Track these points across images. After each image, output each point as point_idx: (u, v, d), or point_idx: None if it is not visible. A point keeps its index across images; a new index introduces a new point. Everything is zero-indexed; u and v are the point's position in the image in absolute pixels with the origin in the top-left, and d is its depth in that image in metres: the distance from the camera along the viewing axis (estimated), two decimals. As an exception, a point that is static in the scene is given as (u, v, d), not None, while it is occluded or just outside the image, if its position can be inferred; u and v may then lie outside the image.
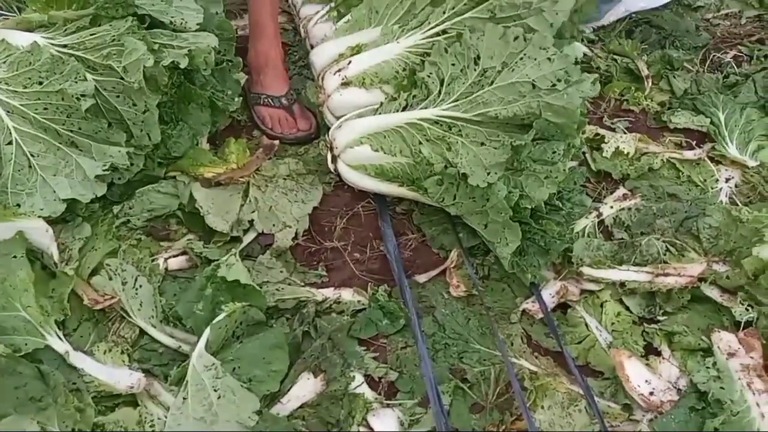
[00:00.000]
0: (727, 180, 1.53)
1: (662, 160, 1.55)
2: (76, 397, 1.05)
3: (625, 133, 1.64)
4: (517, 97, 1.27)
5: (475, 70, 1.33)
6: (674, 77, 1.77)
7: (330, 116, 1.59)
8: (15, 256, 1.18)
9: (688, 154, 1.58)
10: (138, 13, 1.45)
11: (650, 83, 1.77)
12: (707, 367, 1.09)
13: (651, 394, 1.08)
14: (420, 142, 1.33)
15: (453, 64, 1.36)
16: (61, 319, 1.15)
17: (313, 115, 1.69)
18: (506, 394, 1.11)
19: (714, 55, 1.86)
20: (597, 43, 1.93)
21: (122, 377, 1.08)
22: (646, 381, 1.10)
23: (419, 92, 1.39)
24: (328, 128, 1.56)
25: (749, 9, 2.06)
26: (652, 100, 1.75)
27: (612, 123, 1.69)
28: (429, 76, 1.38)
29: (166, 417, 1.02)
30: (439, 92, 1.36)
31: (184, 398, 1.03)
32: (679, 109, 1.70)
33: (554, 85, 1.24)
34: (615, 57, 1.85)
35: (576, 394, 1.10)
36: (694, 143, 1.63)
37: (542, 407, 1.08)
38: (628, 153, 1.56)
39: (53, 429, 1.01)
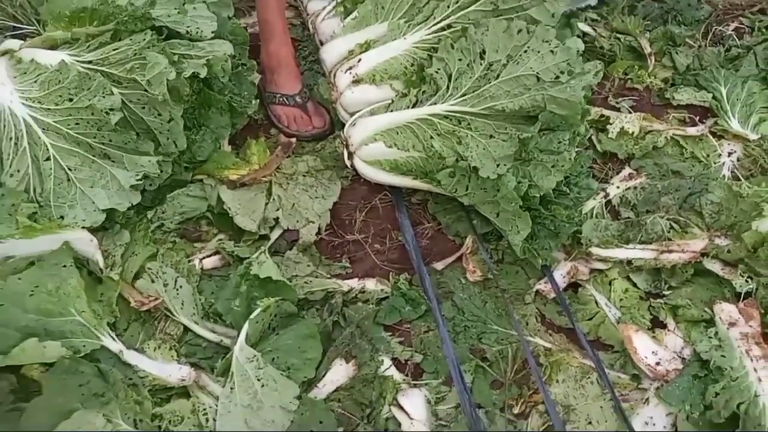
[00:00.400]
0: (730, 154, 1.58)
1: (666, 137, 1.61)
2: (134, 391, 1.16)
3: (629, 112, 1.70)
4: (522, 90, 1.33)
5: (481, 64, 1.39)
6: (677, 53, 1.82)
7: (343, 112, 1.66)
8: (65, 266, 1.28)
9: (691, 131, 1.63)
10: (156, 26, 1.52)
11: (653, 60, 1.81)
12: (709, 337, 1.18)
13: (657, 364, 1.17)
14: (431, 137, 1.40)
15: (459, 59, 1.42)
16: (112, 321, 1.26)
17: (326, 111, 1.76)
18: (523, 370, 1.21)
19: (716, 29, 1.90)
20: (600, 22, 1.97)
21: (173, 371, 1.19)
22: (653, 352, 1.19)
23: (428, 88, 1.46)
24: (343, 124, 1.64)
25: (751, -22, 2.07)
26: (655, 78, 1.79)
27: (617, 102, 1.74)
28: (437, 72, 1.45)
29: (216, 405, 1.13)
30: (448, 87, 1.42)
31: (231, 388, 1.13)
32: (682, 86, 1.75)
33: (557, 77, 1.30)
34: (618, 36, 1.89)
35: (588, 368, 1.20)
36: (697, 119, 1.69)
37: (557, 381, 1.18)
38: (632, 132, 1.62)
39: (118, 421, 1.12)
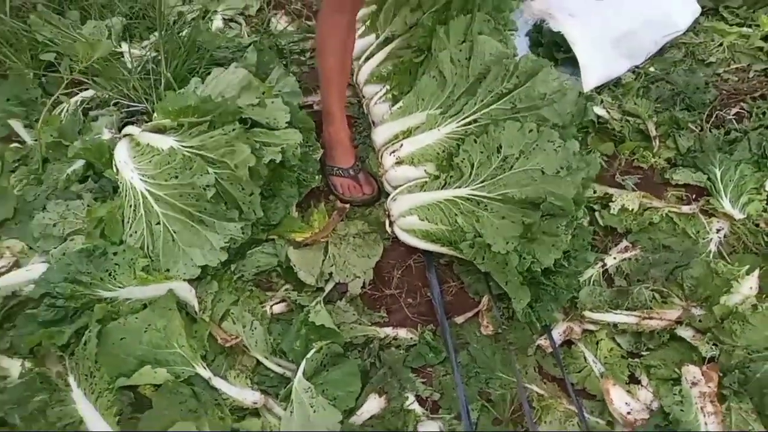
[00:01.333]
0: (718, 231, 1.82)
1: (662, 214, 1.87)
2: (218, 409, 1.54)
3: (634, 189, 1.97)
4: (530, 181, 1.64)
5: (497, 157, 1.72)
6: (680, 136, 2.07)
7: (388, 186, 2.02)
8: (170, 309, 1.68)
9: (685, 209, 1.88)
10: (242, 118, 1.93)
11: (658, 143, 2.08)
12: (674, 394, 1.44)
13: (629, 413, 1.45)
14: (456, 214, 1.74)
15: (481, 152, 1.75)
16: (203, 353, 1.64)
17: (375, 181, 2.12)
18: (519, 411, 1.50)
19: (717, 113, 2.14)
20: (614, 103, 2.25)
21: (248, 395, 1.56)
22: (626, 403, 1.46)
23: (455, 173, 1.80)
24: (387, 194, 2.00)
25: (758, 62, 2.30)
26: (659, 158, 2.06)
27: (623, 180, 2.01)
28: (462, 162, 1.78)
29: (279, 424, 1.49)
30: (470, 174, 1.75)
31: (291, 411, 1.49)
32: (681, 167, 2.00)
33: (558, 172, 1.61)
34: (628, 118, 2.16)
35: (572, 412, 1.48)
36: (693, 197, 1.94)
37: (545, 422, 1.47)
38: (632, 209, 1.88)
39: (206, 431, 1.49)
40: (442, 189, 1.79)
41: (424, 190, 1.83)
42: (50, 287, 1.72)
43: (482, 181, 1.72)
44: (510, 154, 1.69)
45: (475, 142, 1.77)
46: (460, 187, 1.75)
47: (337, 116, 2.07)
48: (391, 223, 1.89)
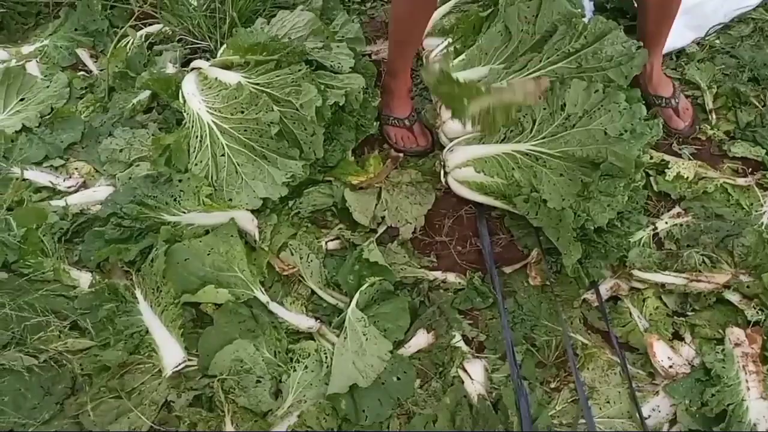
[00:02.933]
0: (771, 205, 1.84)
1: (716, 184, 1.88)
2: (275, 331, 1.62)
3: (689, 159, 1.98)
4: (591, 141, 1.67)
5: (561, 115, 1.74)
6: (740, 110, 2.06)
7: (444, 137, 2.05)
8: (232, 235, 1.75)
9: (740, 181, 1.89)
10: (308, 59, 1.98)
11: (714, 116, 2.07)
12: (716, 352, 1.48)
13: (670, 367, 1.49)
14: (513, 168, 1.77)
15: (544, 109, 1.77)
16: (262, 279, 1.72)
17: (430, 133, 2.15)
18: (563, 357, 1.56)
19: (781, 89, 2.12)
20: (677, 72, 2.23)
21: (303, 321, 1.64)
22: (668, 357, 1.51)
23: (515, 128, 1.82)
24: (442, 146, 2.04)
25: (828, 42, 2.26)
26: (718, 130, 2.05)
27: (680, 149, 2.02)
28: (524, 117, 1.80)
29: (332, 349, 1.57)
30: (531, 130, 1.78)
31: (344, 338, 1.56)
32: (740, 140, 2.00)
33: (621, 135, 1.63)
34: (686, 92, 2.15)
35: (614, 362, 1.53)
36: (750, 171, 1.94)
37: (588, 368, 1.52)
38: (687, 177, 1.90)
39: (263, 350, 1.58)
40: (501, 143, 1.82)
41: (483, 143, 1.86)
42: (117, 208, 1.81)
43: (543, 137, 1.75)
44: (574, 113, 1.71)
45: (539, 98, 1.79)
46: (520, 141, 1.78)
47: (400, 69, 2.09)
48: (445, 174, 1.93)
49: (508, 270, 1.78)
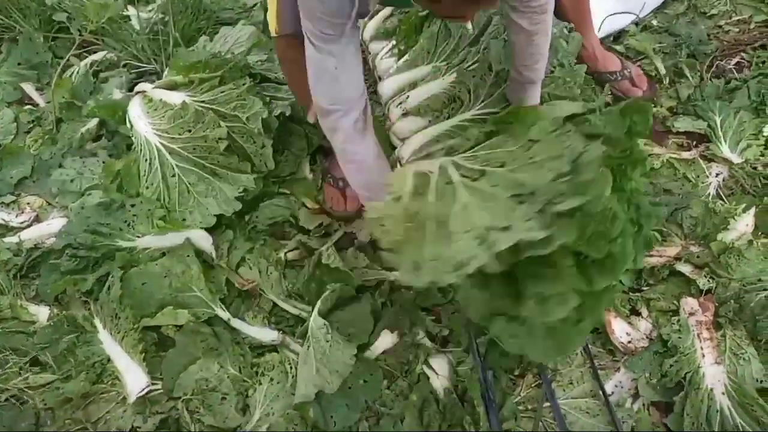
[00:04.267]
0: (717, 175, 1.87)
1: (663, 160, 1.92)
2: (238, 347, 1.62)
3: (635, 136, 2.01)
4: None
5: (490, 74, 1.80)
6: (680, 85, 2.11)
7: (395, 139, 2.06)
8: (188, 255, 1.74)
9: (685, 155, 1.93)
10: (252, 73, 1.98)
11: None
12: (672, 324, 1.51)
13: (629, 342, 1.52)
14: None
15: (473, 76, 1.82)
16: (222, 297, 1.71)
17: None
18: (525, 344, 1.58)
19: (717, 63, 2.17)
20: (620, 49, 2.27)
21: (266, 334, 1.63)
22: (627, 333, 1.54)
23: (455, 104, 1.84)
24: (393, 147, 2.05)
25: (759, 14, 2.32)
26: (661, 107, 2.10)
27: (625, 128, 2.06)
28: (459, 91, 1.84)
29: (296, 359, 1.57)
30: (470, 99, 1.81)
31: (308, 346, 1.56)
32: (682, 115, 2.04)
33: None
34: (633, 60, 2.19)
35: (575, 344, 1.56)
36: (694, 143, 1.99)
37: (550, 352, 1.54)
38: (634, 156, 1.94)
39: (227, 367, 1.57)
40: (447, 119, 1.84)
41: (431, 124, 1.88)
42: (71, 239, 1.79)
43: (483, 101, 1.78)
44: (500, 69, 1.75)
45: (467, 70, 1.82)
46: (464, 112, 1.81)
47: None
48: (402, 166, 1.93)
49: (468, 263, 1.79)
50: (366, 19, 2.35)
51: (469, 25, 1.93)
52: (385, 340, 1.62)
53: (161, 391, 1.56)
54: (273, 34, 1.62)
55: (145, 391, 1.53)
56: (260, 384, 1.54)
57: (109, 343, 1.64)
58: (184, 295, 1.69)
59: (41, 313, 1.76)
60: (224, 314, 1.67)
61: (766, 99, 2.00)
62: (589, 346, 1.54)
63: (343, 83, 1.36)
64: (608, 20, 2.27)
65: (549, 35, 1.55)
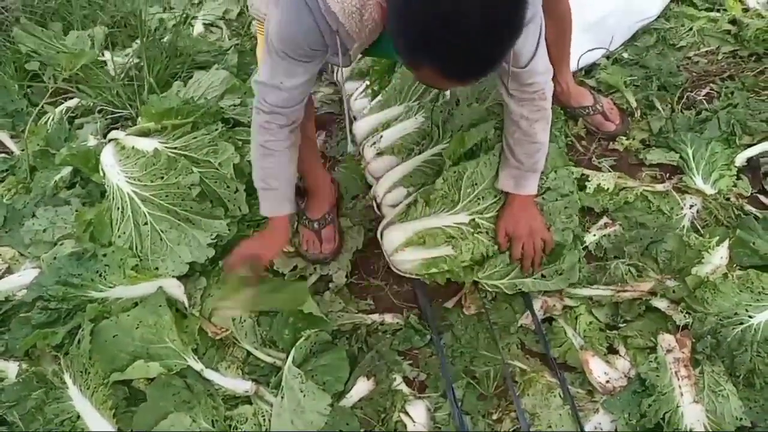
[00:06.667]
0: (691, 207, 1.87)
1: (637, 193, 1.92)
2: (211, 399, 1.58)
3: (609, 171, 2.02)
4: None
5: (455, 107, 1.87)
6: (652, 117, 2.13)
7: (371, 178, 2.06)
8: (160, 305, 1.71)
9: (659, 187, 1.93)
10: (224, 118, 1.98)
11: (639, 113, 2.13)
12: (650, 361, 1.49)
13: (607, 382, 1.50)
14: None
15: (441, 111, 1.87)
16: (194, 347, 1.68)
17: (340, 239, 1.92)
18: (503, 386, 1.55)
19: (688, 94, 2.20)
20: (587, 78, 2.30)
21: (240, 384, 1.60)
22: (605, 372, 1.51)
23: (426, 141, 1.89)
24: (370, 185, 2.04)
25: (726, 45, 2.36)
26: (634, 139, 2.11)
27: (599, 162, 2.07)
28: (428, 128, 1.89)
29: (270, 410, 1.53)
30: (439, 133, 1.85)
31: (282, 397, 1.53)
32: (654, 147, 2.06)
33: None
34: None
35: (554, 384, 1.53)
36: (667, 176, 1.99)
37: (528, 395, 1.51)
38: (608, 189, 1.93)
39: (200, 420, 1.53)
40: (418, 155, 1.87)
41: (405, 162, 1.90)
42: (42, 291, 1.76)
43: (450, 134, 1.81)
44: (468, 102, 1.80)
45: (434, 108, 1.84)
46: (433, 146, 1.82)
47: (306, 172, 1.88)
48: (378, 206, 1.92)
49: (449, 304, 1.77)
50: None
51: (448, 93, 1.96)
52: (362, 387, 1.59)
53: (132, 448, 1.51)
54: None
55: (115, 449, 1.48)
56: (234, 438, 1.50)
57: (78, 400, 1.59)
58: (156, 346, 1.66)
59: (10, 368, 1.71)
60: (197, 365, 1.63)
61: (736, 129, 2.01)
62: (568, 387, 1.51)
63: (285, 96, 1.42)
64: (576, 54, 2.29)
65: (549, 122, 1.56)
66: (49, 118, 2.45)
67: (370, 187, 2.04)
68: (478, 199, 1.67)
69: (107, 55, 2.62)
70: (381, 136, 2.02)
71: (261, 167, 1.57)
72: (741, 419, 1.39)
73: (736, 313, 1.52)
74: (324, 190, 1.95)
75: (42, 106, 2.37)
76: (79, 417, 1.58)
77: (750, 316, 1.51)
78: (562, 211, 1.68)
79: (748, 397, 1.44)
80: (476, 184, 1.68)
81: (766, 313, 1.51)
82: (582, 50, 2.31)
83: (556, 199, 1.69)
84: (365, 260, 1.92)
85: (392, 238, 1.73)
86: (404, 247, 1.71)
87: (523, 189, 1.62)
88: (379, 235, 1.78)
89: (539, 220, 1.65)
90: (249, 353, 1.69)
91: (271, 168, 1.56)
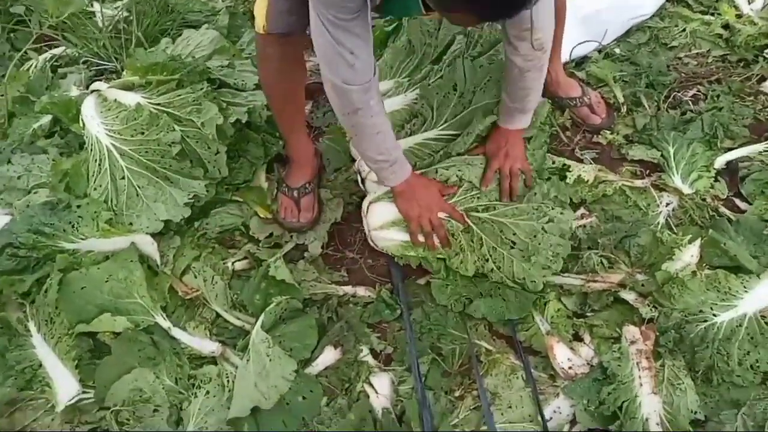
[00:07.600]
0: (667, 204, 1.90)
1: (615, 187, 1.94)
2: (176, 357, 1.57)
3: (590, 163, 2.03)
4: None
5: (454, 94, 1.82)
6: (637, 113, 2.15)
7: (354, 150, 2.05)
8: (131, 261, 1.70)
9: (637, 183, 1.95)
10: (210, 78, 1.95)
11: (626, 108, 2.14)
12: (613, 351, 1.52)
13: (570, 368, 1.52)
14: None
15: (436, 93, 1.84)
16: (163, 305, 1.67)
17: (319, 208, 1.92)
18: (467, 365, 1.57)
19: (675, 94, 2.21)
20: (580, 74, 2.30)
21: (206, 345, 1.60)
22: (568, 359, 1.54)
23: (418, 120, 1.87)
24: (353, 159, 2.03)
25: (717, 48, 2.38)
26: (617, 134, 2.12)
27: (581, 154, 2.08)
28: (422, 107, 1.86)
29: (235, 372, 1.53)
30: (432, 117, 1.83)
31: (247, 360, 1.53)
32: (637, 143, 2.07)
33: None
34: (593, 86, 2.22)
35: (517, 366, 1.55)
36: (647, 172, 2.01)
37: (491, 374, 1.53)
38: (587, 180, 1.95)
39: (163, 377, 1.53)
40: (408, 137, 1.84)
41: None
42: (12, 237, 1.73)
43: (447, 121, 1.79)
44: (466, 89, 1.76)
45: (429, 86, 1.83)
46: (426, 130, 1.81)
47: (287, 133, 1.90)
48: (362, 180, 1.91)
49: (421, 281, 1.78)
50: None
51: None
52: (328, 356, 1.60)
53: (93, 400, 1.51)
54: (259, 30, 1.58)
55: (75, 399, 1.48)
56: (195, 397, 1.50)
57: (41, 348, 1.58)
58: (125, 301, 1.64)
59: (-27, 313, 1.69)
60: (165, 323, 1.62)
61: (719, 132, 2.03)
62: (532, 371, 1.54)
63: (359, 67, 1.38)
64: (568, 46, 2.29)
65: (543, 72, 1.60)
66: (31, 65, 2.40)
67: (353, 160, 2.03)
68: (473, 198, 1.69)
69: (96, 6, 2.56)
70: (370, 111, 2.00)
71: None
72: (696, 413, 1.42)
73: (701, 311, 1.54)
74: (306, 159, 1.94)
75: (25, 52, 2.31)
76: (41, 365, 1.57)
77: (714, 315, 1.54)
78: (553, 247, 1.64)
79: (705, 393, 1.48)
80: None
81: (730, 313, 1.54)
82: (575, 42, 2.31)
83: (553, 234, 1.65)
84: (342, 232, 1.92)
85: (379, 213, 1.73)
86: (389, 227, 1.71)
87: (510, 123, 1.72)
88: (364, 209, 1.78)
89: (519, 148, 1.72)
90: (218, 315, 1.68)
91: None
